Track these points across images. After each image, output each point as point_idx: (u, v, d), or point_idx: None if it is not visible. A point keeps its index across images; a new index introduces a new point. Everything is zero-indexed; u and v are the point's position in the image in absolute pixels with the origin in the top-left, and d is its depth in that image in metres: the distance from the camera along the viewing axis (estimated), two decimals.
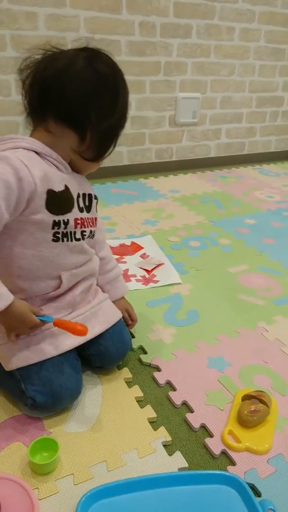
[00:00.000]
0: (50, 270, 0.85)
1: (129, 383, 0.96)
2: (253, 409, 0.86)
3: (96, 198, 0.94)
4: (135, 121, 2.44)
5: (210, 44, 2.48)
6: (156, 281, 1.38)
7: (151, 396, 0.94)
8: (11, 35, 1.98)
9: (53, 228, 0.81)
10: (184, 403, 0.92)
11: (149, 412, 0.88)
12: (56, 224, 0.81)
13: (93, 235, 0.92)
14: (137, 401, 0.91)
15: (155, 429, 0.85)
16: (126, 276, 1.40)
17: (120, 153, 2.48)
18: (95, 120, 0.79)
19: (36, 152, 0.79)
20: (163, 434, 0.83)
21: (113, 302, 1.04)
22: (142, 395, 0.93)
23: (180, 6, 2.31)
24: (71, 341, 0.87)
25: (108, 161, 2.59)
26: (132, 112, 2.42)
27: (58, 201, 0.80)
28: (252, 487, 0.75)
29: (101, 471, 0.76)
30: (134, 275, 1.41)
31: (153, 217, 1.89)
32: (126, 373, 0.99)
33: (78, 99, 0.78)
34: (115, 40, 2.20)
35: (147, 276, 1.41)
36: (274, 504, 0.69)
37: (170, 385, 0.97)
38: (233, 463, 0.79)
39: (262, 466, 0.78)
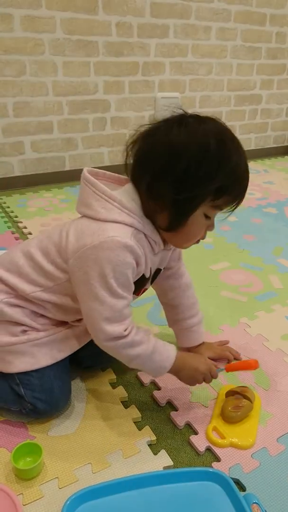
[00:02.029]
0: (69, 317, 0.87)
1: (113, 384, 0.96)
2: (236, 405, 0.86)
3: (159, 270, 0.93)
4: (115, 122, 2.44)
5: (188, 44, 2.49)
6: None
7: (136, 396, 0.94)
8: None
9: None
10: (169, 402, 0.92)
11: (134, 412, 0.89)
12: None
13: None
14: (121, 401, 0.91)
15: (139, 428, 0.85)
16: None
17: (101, 154, 2.47)
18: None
19: (144, 233, 0.77)
20: (147, 434, 0.83)
21: (194, 350, 1.03)
22: (127, 395, 0.93)
23: (156, 6, 2.31)
24: (72, 345, 0.88)
25: (89, 162, 2.59)
26: (111, 112, 2.42)
27: (141, 283, 0.81)
28: (237, 482, 0.75)
29: (86, 474, 0.76)
30: None
31: None
32: (110, 374, 0.99)
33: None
34: (93, 41, 2.20)
35: None
36: (258, 498, 0.70)
37: (154, 385, 0.97)
38: (218, 459, 0.80)
39: (247, 461, 0.79)
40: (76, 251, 0.74)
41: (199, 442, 0.82)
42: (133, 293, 0.80)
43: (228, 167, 0.72)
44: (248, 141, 3.06)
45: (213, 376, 0.86)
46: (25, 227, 1.81)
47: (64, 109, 2.25)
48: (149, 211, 0.76)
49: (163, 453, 0.80)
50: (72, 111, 2.28)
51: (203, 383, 0.87)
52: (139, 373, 0.99)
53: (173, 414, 0.89)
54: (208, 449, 0.82)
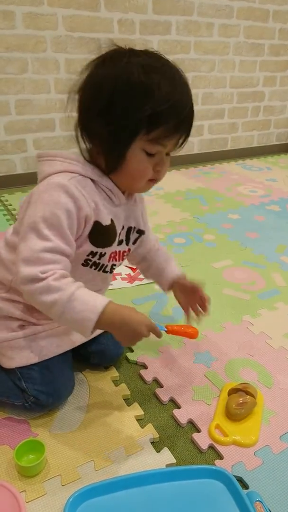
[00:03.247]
0: None
1: (116, 382, 0.96)
2: (240, 402, 0.86)
3: (139, 232, 0.91)
4: None
5: (190, 41, 2.48)
6: (141, 279, 1.38)
7: (138, 393, 0.94)
8: None
9: (88, 255, 0.79)
10: (171, 400, 0.92)
11: (136, 409, 0.88)
12: (92, 253, 0.79)
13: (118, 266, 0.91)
14: (124, 399, 0.91)
15: (142, 426, 0.85)
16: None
17: None
18: None
19: (91, 179, 0.76)
20: (150, 431, 0.83)
21: (177, 286, 0.98)
22: (129, 393, 0.93)
23: (158, 2, 2.30)
24: (73, 340, 0.88)
25: None
26: None
27: (102, 234, 0.79)
28: (240, 480, 0.75)
29: (88, 471, 0.76)
30: (120, 274, 1.41)
31: None
32: (112, 371, 0.98)
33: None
34: (94, 38, 2.19)
35: (132, 274, 1.41)
36: (261, 496, 0.70)
37: (157, 382, 0.97)
38: (220, 457, 0.80)
39: (249, 459, 0.79)
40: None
41: (202, 440, 0.82)
42: (103, 257, 0.80)
43: (158, 96, 0.68)
44: (250, 138, 3.05)
45: (156, 335, 0.76)
46: None
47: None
48: (92, 156, 0.76)
49: (165, 450, 0.80)
50: (74, 109, 2.27)
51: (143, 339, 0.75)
52: (141, 371, 0.99)
53: (175, 411, 0.88)
54: (211, 447, 0.82)
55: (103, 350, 0.96)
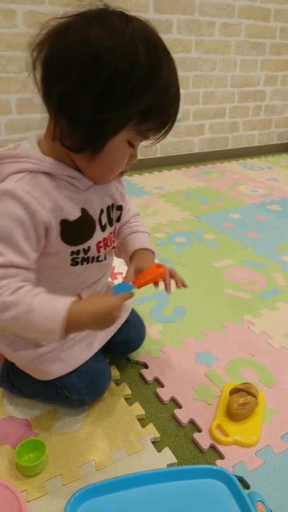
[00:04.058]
0: (69, 291, 0.73)
1: (117, 381, 0.96)
2: (242, 402, 0.86)
3: (119, 208, 0.82)
4: None
5: (191, 40, 2.48)
6: None
7: (139, 393, 0.93)
8: None
9: (71, 255, 0.73)
10: (172, 399, 0.92)
11: (137, 409, 0.88)
12: (74, 253, 0.73)
13: (115, 246, 0.85)
14: (125, 398, 0.91)
15: (143, 426, 0.85)
16: (113, 274, 1.39)
17: None
18: None
19: (47, 173, 0.67)
20: (151, 431, 0.83)
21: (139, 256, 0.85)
22: (130, 392, 0.93)
23: (159, 1, 2.30)
24: (101, 338, 0.88)
25: None
26: None
27: (75, 231, 0.71)
28: (241, 480, 0.75)
29: (89, 471, 0.75)
30: (120, 273, 1.41)
31: None
32: (113, 371, 0.98)
33: None
34: None
35: None
36: (262, 496, 0.70)
37: (158, 382, 0.97)
38: (221, 456, 0.80)
39: (251, 459, 0.79)
40: None
41: (203, 440, 0.82)
42: (89, 251, 0.73)
43: (158, 84, 0.61)
44: (251, 137, 3.04)
45: (128, 299, 0.71)
46: None
47: None
48: (54, 135, 0.65)
49: (166, 450, 0.80)
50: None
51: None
52: (142, 370, 0.99)
53: (176, 411, 0.88)
54: (212, 447, 0.81)
55: (127, 339, 0.96)
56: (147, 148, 2.59)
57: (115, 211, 0.82)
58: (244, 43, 2.70)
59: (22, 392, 0.88)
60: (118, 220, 0.83)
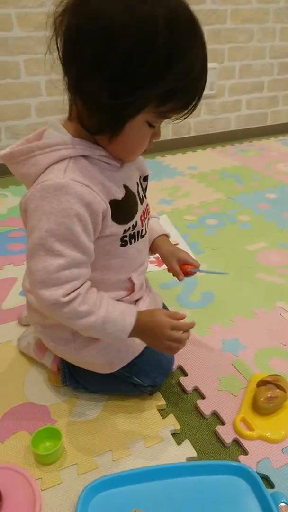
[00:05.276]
0: (121, 275, 0.76)
1: None
2: (269, 395, 0.81)
3: (145, 179, 0.81)
4: None
5: (226, 9, 2.33)
6: None
7: None
8: (16, 14, 1.92)
9: (122, 236, 0.72)
10: (195, 389, 0.88)
11: (158, 399, 0.85)
12: (126, 231, 0.72)
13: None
14: None
15: (163, 417, 0.81)
16: None
17: None
18: None
19: (83, 156, 0.65)
20: (172, 422, 0.80)
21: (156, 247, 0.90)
22: None
23: None
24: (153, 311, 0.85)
25: None
26: None
27: (124, 209, 0.70)
28: (265, 478, 0.71)
29: (105, 461, 0.73)
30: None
31: (169, 196, 1.82)
32: None
33: None
34: None
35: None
36: (287, 497, 0.65)
37: (181, 370, 0.93)
38: (245, 452, 0.75)
39: (276, 456, 0.74)
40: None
41: (226, 433, 0.78)
42: (136, 226, 0.73)
43: (181, 64, 0.56)
44: None
45: (180, 336, 0.72)
46: None
47: None
48: (75, 116, 0.63)
49: (187, 443, 0.76)
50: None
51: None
52: None
53: (199, 402, 0.84)
54: (235, 441, 0.77)
55: None
56: (180, 128, 2.50)
57: (143, 182, 0.80)
58: (284, 10, 2.51)
59: (87, 388, 0.86)
60: (145, 190, 0.82)
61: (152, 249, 0.90)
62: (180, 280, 0.88)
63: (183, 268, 0.88)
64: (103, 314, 0.68)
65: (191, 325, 0.74)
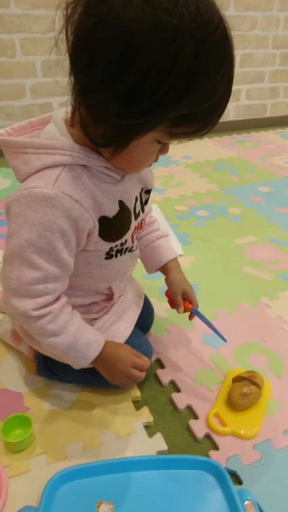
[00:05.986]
0: (102, 283, 0.76)
1: None
2: (244, 392, 0.80)
3: (147, 192, 0.78)
4: None
5: None
6: None
7: None
8: None
9: (107, 251, 0.69)
10: (172, 382, 0.88)
11: (134, 391, 0.85)
12: (112, 248, 0.69)
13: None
14: None
15: (137, 409, 0.81)
16: None
17: None
18: None
19: (82, 165, 0.61)
20: (145, 415, 0.80)
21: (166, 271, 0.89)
22: None
23: None
24: (133, 317, 0.86)
25: None
26: None
27: (114, 227, 0.67)
28: (234, 474, 0.70)
29: (76, 451, 0.73)
30: None
31: (161, 185, 1.80)
32: None
33: None
34: None
35: None
36: (253, 495, 0.65)
37: (159, 362, 0.92)
38: (216, 447, 0.75)
39: (247, 452, 0.74)
40: None
41: (199, 428, 0.78)
42: (125, 244, 0.71)
43: (203, 89, 0.49)
44: None
45: (139, 374, 0.73)
46: None
47: None
48: (78, 123, 0.58)
49: (158, 436, 0.76)
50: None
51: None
52: None
53: (174, 395, 0.84)
54: (207, 436, 0.77)
55: (142, 323, 0.93)
56: None
57: (144, 195, 0.77)
58: None
59: (62, 379, 0.84)
60: (146, 203, 0.79)
61: (161, 271, 0.90)
62: (179, 312, 0.87)
63: (185, 303, 0.87)
64: (69, 339, 0.66)
65: (149, 366, 0.75)
